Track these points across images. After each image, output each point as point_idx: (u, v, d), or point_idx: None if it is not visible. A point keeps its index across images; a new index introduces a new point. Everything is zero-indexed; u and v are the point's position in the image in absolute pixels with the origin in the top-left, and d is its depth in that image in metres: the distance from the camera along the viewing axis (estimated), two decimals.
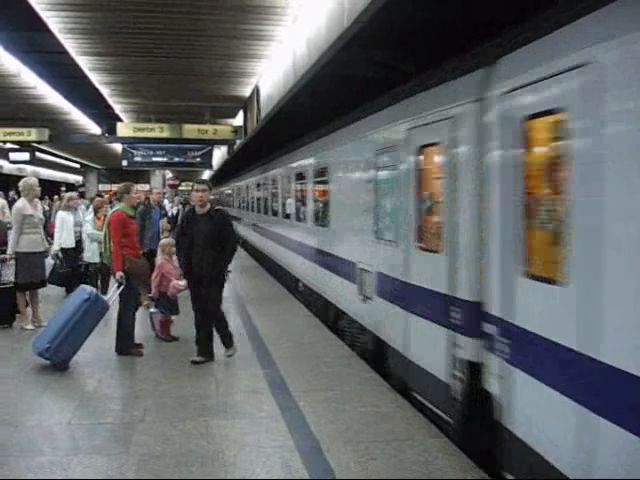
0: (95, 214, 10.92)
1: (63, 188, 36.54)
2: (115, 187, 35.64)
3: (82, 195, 16.63)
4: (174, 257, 8.63)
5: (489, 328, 4.67)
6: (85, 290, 7.40)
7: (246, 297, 11.98)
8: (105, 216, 9.61)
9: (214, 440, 5.13)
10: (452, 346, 5.22)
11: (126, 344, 7.64)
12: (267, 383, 6.64)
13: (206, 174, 47.24)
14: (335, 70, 9.23)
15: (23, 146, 17.84)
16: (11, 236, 8.94)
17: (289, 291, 13.13)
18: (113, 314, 7.91)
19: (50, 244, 10.32)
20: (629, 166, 3.17)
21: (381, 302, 7.07)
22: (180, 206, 19.61)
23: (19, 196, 9.73)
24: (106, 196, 19.28)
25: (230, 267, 7.92)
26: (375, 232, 7.32)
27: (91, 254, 10.57)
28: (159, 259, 8.74)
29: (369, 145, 7.49)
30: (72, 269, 10.51)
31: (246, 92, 15.00)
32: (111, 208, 9.81)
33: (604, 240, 3.31)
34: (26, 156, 18.05)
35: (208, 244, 7.20)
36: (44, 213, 12.14)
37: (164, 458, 4.76)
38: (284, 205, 14.39)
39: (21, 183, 9.22)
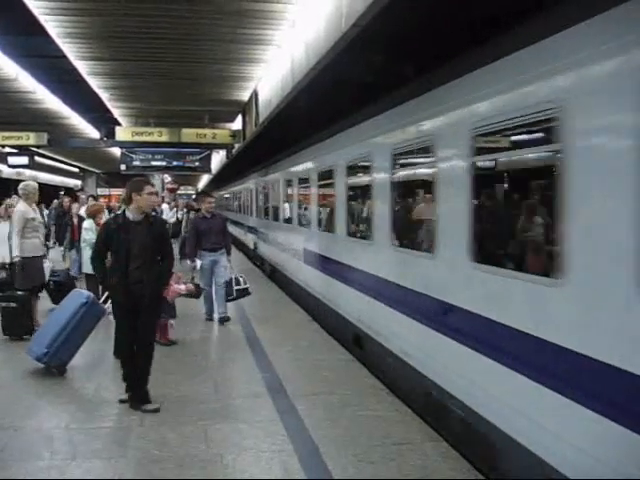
0: (94, 220, 10.06)
1: (62, 192, 36.53)
2: (115, 191, 35.63)
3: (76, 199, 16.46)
4: None
5: None
6: (82, 294, 7.39)
7: (244, 300, 11.95)
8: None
9: (213, 444, 5.13)
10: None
11: None
12: (266, 387, 6.65)
13: (205, 178, 47.34)
14: (333, 74, 9.24)
15: (22, 150, 17.83)
16: (13, 240, 8.88)
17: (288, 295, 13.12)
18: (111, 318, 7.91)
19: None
20: None
21: None
22: (184, 211, 18.91)
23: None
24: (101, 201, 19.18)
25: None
26: None
27: None
28: None
29: None
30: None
31: (245, 96, 15.02)
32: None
33: None
34: (25, 160, 18.03)
35: (148, 258, 5.98)
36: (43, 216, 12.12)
37: (163, 462, 4.76)
38: None
39: (22, 186, 9.17)
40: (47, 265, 9.61)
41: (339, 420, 5.68)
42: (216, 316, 10.08)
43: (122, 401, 6.04)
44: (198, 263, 9.89)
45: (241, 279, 10.10)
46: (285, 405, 6.05)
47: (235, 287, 9.95)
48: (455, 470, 4.69)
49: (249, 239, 22.69)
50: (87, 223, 10.06)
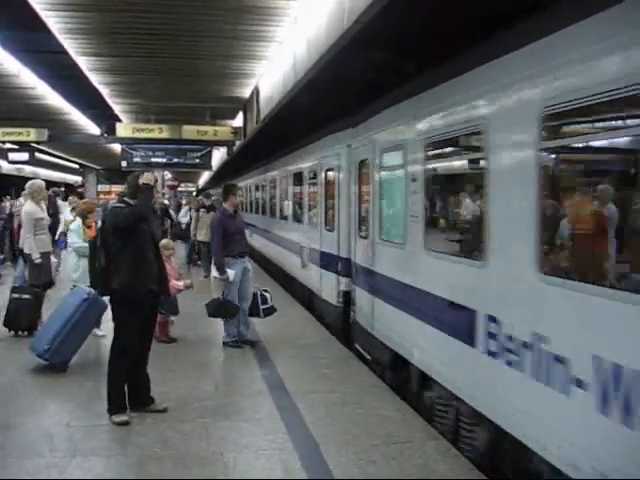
0: (83, 221, 8.61)
1: (62, 188, 36.50)
2: (116, 188, 35.56)
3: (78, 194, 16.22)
4: (172, 258, 8.57)
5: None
6: (84, 290, 7.36)
7: None
8: (96, 223, 8.31)
9: (213, 442, 5.12)
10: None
11: None
12: (266, 385, 6.63)
13: (205, 175, 47.29)
14: (335, 71, 9.21)
15: (22, 146, 17.82)
16: (25, 240, 8.82)
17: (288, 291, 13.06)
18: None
19: None
20: None
21: None
22: (193, 211, 16.06)
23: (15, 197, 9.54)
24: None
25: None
26: None
27: (80, 274, 8.14)
28: None
29: None
30: None
31: (246, 93, 15.00)
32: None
33: None
34: (25, 156, 18.04)
35: (154, 250, 5.80)
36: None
37: (163, 460, 4.75)
38: None
39: (28, 185, 9.17)
40: (53, 261, 9.47)
41: (340, 418, 5.66)
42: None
43: (123, 423, 5.45)
44: (231, 274, 7.97)
45: (268, 295, 8.46)
46: (285, 403, 6.04)
47: (262, 306, 8.30)
48: (456, 469, 4.66)
49: (308, 273, 11.56)
50: (74, 224, 8.75)
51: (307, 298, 11.53)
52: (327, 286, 9.98)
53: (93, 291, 7.23)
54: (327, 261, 9.99)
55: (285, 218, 14.20)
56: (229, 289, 8.07)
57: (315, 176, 11.02)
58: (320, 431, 5.31)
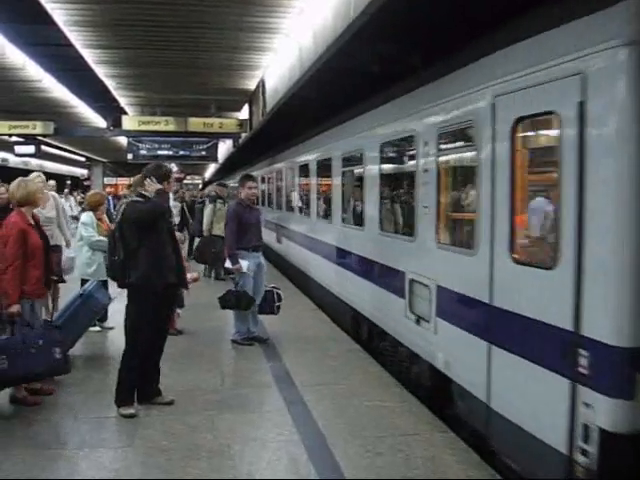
0: (94, 213, 8.28)
1: (68, 182, 36.63)
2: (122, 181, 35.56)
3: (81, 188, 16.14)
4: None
5: None
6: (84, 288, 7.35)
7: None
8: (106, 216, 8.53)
9: (220, 434, 5.12)
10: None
11: None
12: (273, 377, 6.64)
13: (211, 167, 47.27)
14: (341, 63, 9.15)
15: (28, 139, 17.82)
16: None
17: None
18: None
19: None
20: None
21: None
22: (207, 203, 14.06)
23: None
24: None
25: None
26: None
27: (95, 269, 7.91)
28: None
29: None
30: None
31: (252, 85, 14.95)
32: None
33: None
34: (31, 149, 18.03)
35: (172, 243, 5.82)
36: None
37: (170, 452, 4.76)
38: None
39: None
40: (71, 256, 9.00)
41: (346, 410, 5.66)
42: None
43: (130, 415, 5.50)
44: (245, 264, 7.86)
45: (281, 293, 8.45)
46: (292, 395, 6.04)
47: (277, 303, 8.31)
48: (463, 462, 4.66)
49: (433, 338, 5.90)
50: (85, 217, 8.34)
51: (427, 380, 6.23)
52: (522, 394, 4.42)
53: (89, 288, 7.15)
54: (521, 336, 4.42)
55: (360, 224, 8.65)
56: (244, 283, 7.91)
57: (464, 142, 5.57)
58: (327, 423, 5.31)
